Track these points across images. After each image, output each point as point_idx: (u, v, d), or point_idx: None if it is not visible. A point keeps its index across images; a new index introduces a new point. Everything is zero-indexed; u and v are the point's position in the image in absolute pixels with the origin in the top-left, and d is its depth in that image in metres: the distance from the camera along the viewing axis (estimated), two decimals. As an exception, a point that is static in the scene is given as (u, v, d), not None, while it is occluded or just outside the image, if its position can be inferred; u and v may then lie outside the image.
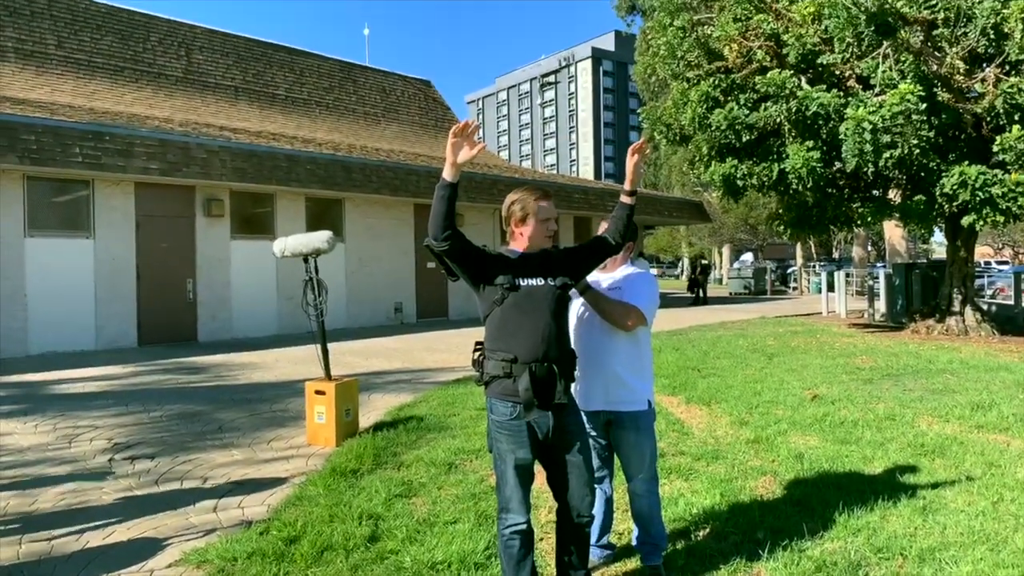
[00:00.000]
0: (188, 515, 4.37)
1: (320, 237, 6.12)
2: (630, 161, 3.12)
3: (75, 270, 12.44)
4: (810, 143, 11.99)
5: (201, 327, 14.04)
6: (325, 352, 6.33)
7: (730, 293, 33.44)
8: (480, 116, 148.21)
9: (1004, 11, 10.89)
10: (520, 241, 3.02)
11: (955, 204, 11.62)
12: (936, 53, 11.87)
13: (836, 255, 51.62)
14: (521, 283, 2.90)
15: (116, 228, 12.92)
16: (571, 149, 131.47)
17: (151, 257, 13.38)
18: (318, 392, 6.06)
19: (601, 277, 3.41)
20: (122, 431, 6.50)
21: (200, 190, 14.01)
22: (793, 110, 11.78)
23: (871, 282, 19.53)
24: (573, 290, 3.17)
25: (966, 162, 11.55)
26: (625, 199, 3.13)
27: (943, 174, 11.64)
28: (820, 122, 11.81)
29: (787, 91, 11.80)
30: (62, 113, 12.79)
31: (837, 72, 12.34)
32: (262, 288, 14.95)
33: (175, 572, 3.57)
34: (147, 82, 17.92)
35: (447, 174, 2.79)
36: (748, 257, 48.10)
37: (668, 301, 24.80)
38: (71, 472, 5.26)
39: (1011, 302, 17.24)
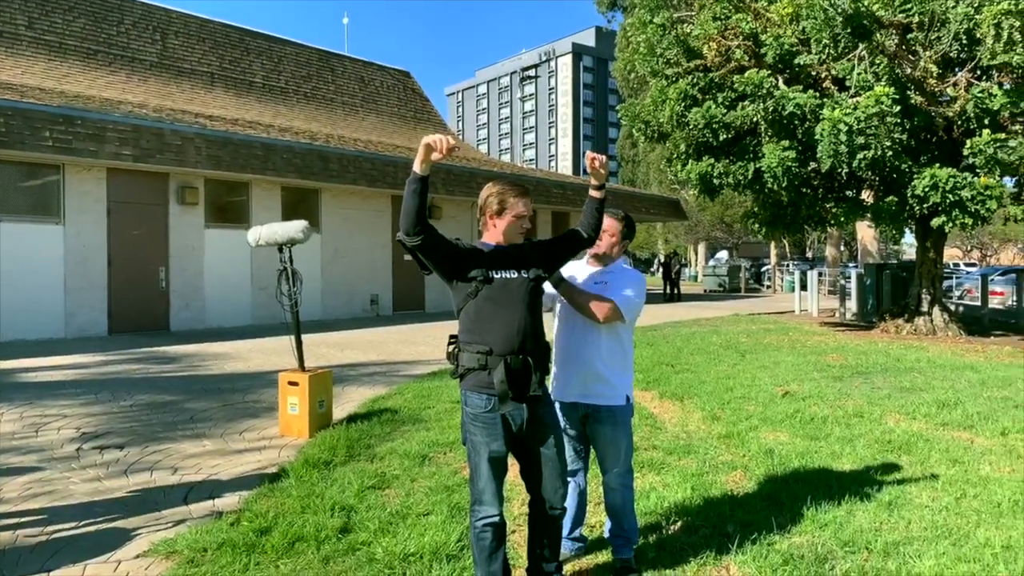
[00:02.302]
0: (157, 505, 4.32)
1: (296, 227, 6.07)
2: (589, 165, 3.12)
3: (44, 256, 12.22)
4: (786, 143, 12.12)
5: (173, 316, 13.87)
6: (299, 343, 6.28)
7: (705, 290, 33.73)
8: (459, 108, 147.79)
9: (977, 17, 11.08)
10: (493, 233, 3.02)
11: (926, 206, 11.82)
12: (910, 57, 12.05)
13: (809, 254, 52.28)
14: (495, 276, 2.90)
15: (87, 214, 12.70)
16: (550, 144, 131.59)
17: (123, 244, 13.18)
18: (291, 383, 6.02)
19: (590, 271, 3.42)
20: (91, 420, 6.41)
21: (174, 177, 13.81)
22: (770, 110, 11.89)
23: (843, 282, 19.81)
24: (547, 283, 3.18)
25: (937, 165, 11.75)
26: (594, 193, 3.14)
27: (915, 176, 11.84)
28: (796, 122, 11.94)
29: (764, 91, 11.90)
30: (32, 96, 12.53)
31: (814, 73, 12.47)
32: (236, 278, 14.80)
33: (143, 563, 3.53)
34: (120, 66, 17.61)
35: (418, 168, 2.77)
36: (723, 255, 48.55)
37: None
38: (38, 461, 5.17)
39: (978, 303, 17.59)
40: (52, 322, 12.30)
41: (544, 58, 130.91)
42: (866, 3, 11.53)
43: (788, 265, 38.46)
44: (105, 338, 12.47)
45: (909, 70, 11.87)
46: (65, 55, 16.65)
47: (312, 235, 6.33)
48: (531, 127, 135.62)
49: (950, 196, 11.36)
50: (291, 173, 14.91)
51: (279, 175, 14.79)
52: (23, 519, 4.05)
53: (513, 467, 3.08)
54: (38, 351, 10.64)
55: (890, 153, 11.23)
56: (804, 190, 13.70)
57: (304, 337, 6.48)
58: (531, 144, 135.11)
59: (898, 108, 10.82)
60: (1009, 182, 12.80)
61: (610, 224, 3.37)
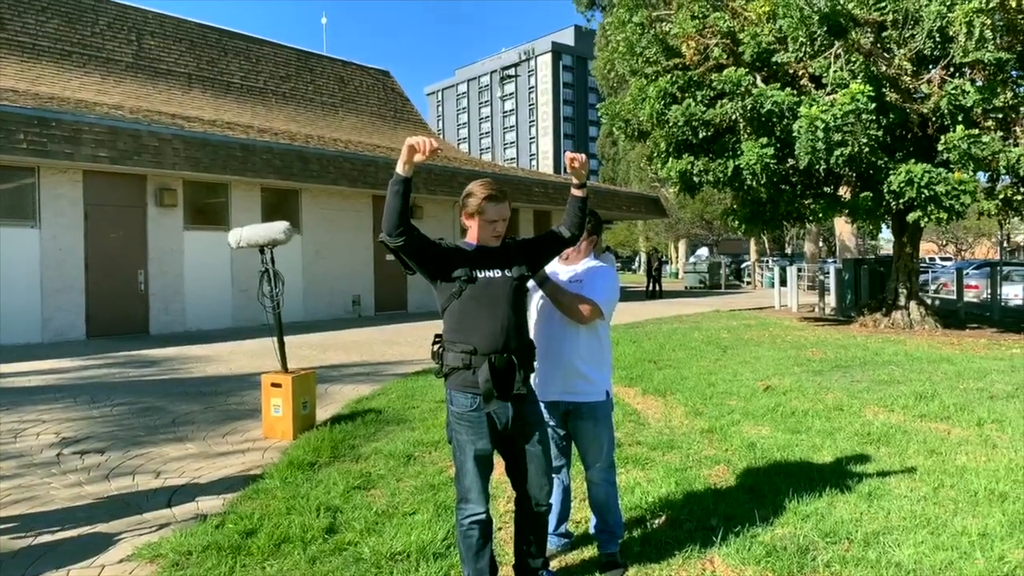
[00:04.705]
0: (140, 509, 4.29)
1: (277, 228, 6.05)
2: (569, 165, 3.12)
3: (20, 260, 12.05)
4: (764, 140, 12.23)
5: (153, 319, 13.74)
6: (281, 344, 6.26)
7: (685, 287, 33.94)
8: (439, 108, 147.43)
9: (950, 15, 11.25)
10: (472, 233, 3.03)
11: (901, 201, 11.99)
12: (885, 54, 12.21)
13: (788, 250, 52.71)
14: (478, 275, 2.92)
15: (63, 217, 12.54)
16: (531, 143, 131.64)
17: (100, 247, 13.02)
18: (274, 385, 5.99)
19: (563, 269, 3.43)
20: (71, 425, 6.34)
21: (152, 179, 13.67)
22: (748, 107, 12.00)
23: (822, 277, 20.03)
24: (532, 282, 3.20)
25: (912, 160, 11.92)
26: (576, 192, 3.15)
27: (891, 172, 12.00)
28: (774, 120, 12.05)
29: (742, 89, 12.02)
30: (5, 98, 12.34)
31: (791, 71, 12.60)
32: (216, 280, 14.68)
33: (127, 567, 3.51)
34: (95, 67, 17.39)
35: (400, 169, 2.78)
36: (703, 252, 48.85)
37: (625, 295, 25.07)
38: (17, 467, 5.11)
39: (953, 297, 17.86)
40: (28, 327, 12.13)
41: (524, 57, 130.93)
42: (842, 1, 11.67)
43: (767, 261, 38.75)
44: (83, 342, 12.32)
45: (884, 67, 12.03)
46: (38, 56, 16.41)
47: (293, 236, 6.31)
48: (511, 126, 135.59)
49: (925, 191, 11.52)
50: (271, 174, 14.82)
51: (259, 176, 14.68)
52: (4, 525, 4.01)
53: (499, 465, 3.09)
54: (14, 356, 10.49)
55: (866, 150, 11.38)
56: (783, 187, 13.84)
57: (286, 339, 6.46)
58: (512, 143, 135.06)
59: (874, 105, 10.96)
60: (982, 177, 13.01)
61: None
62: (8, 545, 3.76)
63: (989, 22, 10.87)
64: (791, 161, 12.71)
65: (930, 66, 12.30)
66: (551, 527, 3.42)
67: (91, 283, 12.88)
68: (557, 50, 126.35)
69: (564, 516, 3.62)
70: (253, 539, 3.73)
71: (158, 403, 7.30)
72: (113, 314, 13.16)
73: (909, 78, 12.13)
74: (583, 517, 3.92)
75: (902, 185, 11.66)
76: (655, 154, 14.52)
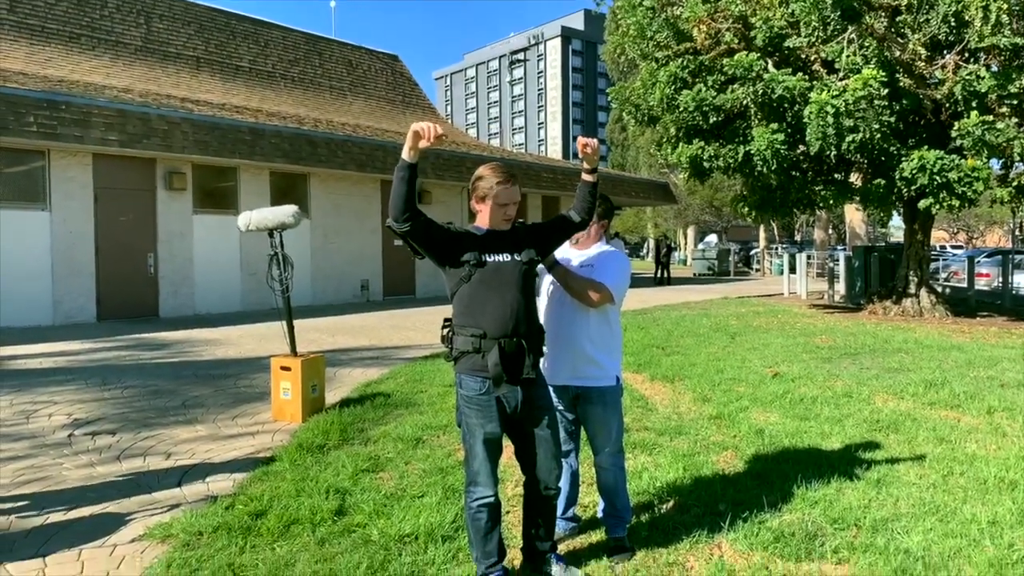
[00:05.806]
0: (151, 490, 4.32)
1: (286, 211, 6.05)
2: (581, 150, 3.10)
3: (30, 243, 12.11)
4: (775, 126, 12.12)
5: (163, 303, 13.80)
6: (291, 328, 6.28)
7: (694, 274, 33.85)
8: (448, 93, 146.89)
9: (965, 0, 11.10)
10: (483, 218, 3.02)
11: (913, 188, 11.88)
12: (899, 39, 12.07)
13: (798, 237, 52.48)
14: (488, 259, 2.91)
15: (74, 200, 12.58)
16: (539, 128, 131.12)
17: (110, 231, 13.07)
18: (284, 368, 6.01)
19: (574, 254, 3.42)
20: (82, 407, 6.39)
21: (161, 163, 13.69)
22: (759, 93, 11.89)
23: (831, 264, 19.93)
24: (541, 266, 3.19)
25: (925, 147, 11.79)
26: (587, 177, 3.13)
27: (903, 159, 11.88)
28: (785, 105, 11.95)
29: (754, 74, 11.90)
30: (15, 80, 12.36)
31: (803, 56, 12.47)
32: (225, 263, 14.72)
33: (139, 547, 3.54)
34: (105, 50, 17.38)
35: (407, 155, 2.76)
36: (712, 238, 48.64)
37: (633, 281, 25.01)
38: (29, 448, 5.16)
39: (964, 285, 17.74)
40: (40, 309, 12.21)
41: (533, 41, 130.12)
42: (855, -15, 11.53)
43: (777, 248, 38.58)
44: (93, 325, 12.39)
45: (898, 52, 11.89)
46: (47, 39, 16.40)
47: (302, 220, 6.31)
48: (520, 111, 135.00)
49: (937, 178, 11.42)
50: (279, 158, 14.81)
51: (267, 160, 14.68)
52: (16, 504, 4.05)
53: (507, 448, 3.10)
54: (25, 338, 10.57)
55: (878, 136, 11.27)
56: (793, 173, 13.74)
57: (295, 322, 6.48)
58: (520, 128, 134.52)
59: (886, 91, 10.84)
60: (995, 164, 12.88)
61: None
62: (20, 524, 3.80)
63: (1005, 6, 10.71)
64: (802, 147, 12.60)
65: (945, 51, 12.15)
66: (559, 511, 3.43)
67: (101, 266, 12.94)
68: (566, 34, 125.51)
69: (572, 500, 3.62)
70: (263, 520, 3.76)
71: (168, 386, 7.35)
72: (123, 297, 13.23)
73: (923, 63, 11.98)
74: (591, 501, 3.93)
75: (914, 172, 11.55)
76: (665, 139, 14.44)
